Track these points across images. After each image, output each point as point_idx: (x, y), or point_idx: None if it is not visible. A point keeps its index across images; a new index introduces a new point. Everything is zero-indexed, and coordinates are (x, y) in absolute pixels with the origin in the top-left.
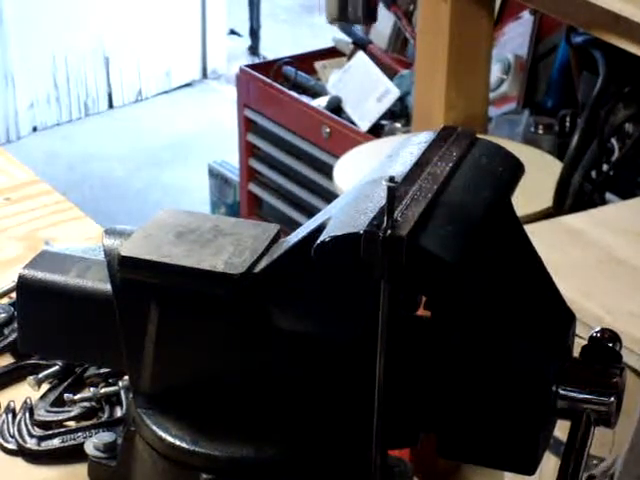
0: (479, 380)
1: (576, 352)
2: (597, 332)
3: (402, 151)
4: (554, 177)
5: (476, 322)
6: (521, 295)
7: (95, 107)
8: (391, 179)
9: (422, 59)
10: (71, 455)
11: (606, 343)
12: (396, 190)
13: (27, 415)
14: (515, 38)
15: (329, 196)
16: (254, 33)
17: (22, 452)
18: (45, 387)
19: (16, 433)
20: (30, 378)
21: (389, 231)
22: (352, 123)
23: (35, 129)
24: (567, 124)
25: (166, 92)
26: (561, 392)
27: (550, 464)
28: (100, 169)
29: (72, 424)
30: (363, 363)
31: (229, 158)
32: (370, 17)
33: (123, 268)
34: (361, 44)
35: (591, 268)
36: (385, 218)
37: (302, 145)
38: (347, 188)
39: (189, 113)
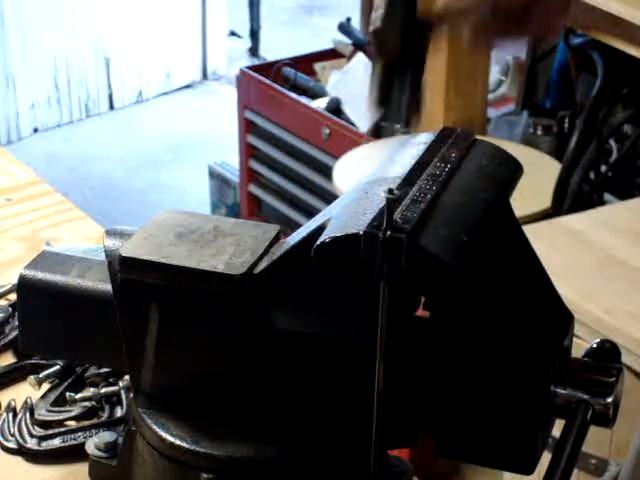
0: (478, 380)
1: (575, 352)
2: (597, 343)
3: (402, 152)
4: (553, 178)
5: (475, 322)
6: (519, 295)
7: (96, 108)
8: (390, 191)
9: None
10: (71, 455)
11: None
12: (394, 199)
13: (28, 415)
14: None
15: (329, 197)
16: (254, 34)
17: (22, 452)
18: (46, 387)
19: (16, 433)
20: (31, 378)
21: (389, 232)
22: (351, 124)
23: (36, 130)
24: (566, 125)
25: (166, 93)
26: (559, 392)
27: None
28: (101, 170)
29: (72, 424)
30: (362, 363)
31: (229, 159)
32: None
33: (124, 268)
34: (361, 45)
35: (590, 269)
36: (385, 219)
37: (302, 146)
38: (347, 189)
39: (189, 114)
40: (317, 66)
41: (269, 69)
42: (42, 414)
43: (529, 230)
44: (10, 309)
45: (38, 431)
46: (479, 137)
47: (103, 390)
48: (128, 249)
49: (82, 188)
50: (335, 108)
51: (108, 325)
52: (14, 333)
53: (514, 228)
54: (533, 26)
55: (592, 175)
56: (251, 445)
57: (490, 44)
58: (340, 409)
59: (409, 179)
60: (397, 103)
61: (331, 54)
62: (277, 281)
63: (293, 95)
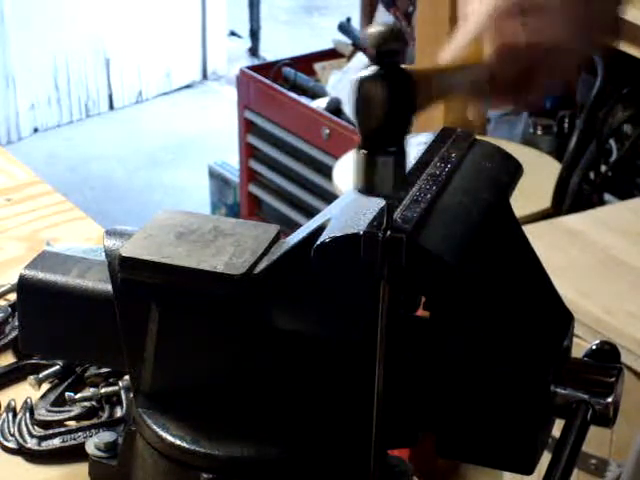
0: (478, 380)
1: (575, 352)
2: (596, 344)
3: None
4: (553, 178)
5: (475, 322)
6: (520, 295)
7: (96, 108)
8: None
9: (421, 60)
10: (71, 455)
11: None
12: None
13: (27, 415)
14: None
15: (329, 197)
16: (254, 34)
17: (22, 452)
18: (45, 387)
19: (16, 433)
20: (31, 378)
21: (389, 232)
22: (351, 124)
23: (36, 130)
24: (566, 125)
25: (166, 93)
26: (559, 392)
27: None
28: (101, 170)
29: (72, 424)
30: (362, 363)
31: (229, 159)
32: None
33: (124, 269)
34: (361, 45)
35: (590, 269)
36: (385, 219)
37: (302, 146)
38: (346, 189)
39: (189, 114)
40: (317, 66)
41: (269, 69)
42: (42, 414)
43: (529, 230)
44: (10, 309)
45: (38, 431)
46: (479, 137)
47: (103, 390)
48: (128, 249)
49: (82, 188)
50: (335, 108)
51: (108, 325)
52: (14, 333)
53: (514, 228)
54: (535, 89)
55: (592, 175)
56: (251, 445)
57: (488, 107)
58: (340, 409)
59: (409, 179)
60: (381, 179)
61: (331, 54)
62: (277, 281)
63: (293, 95)
